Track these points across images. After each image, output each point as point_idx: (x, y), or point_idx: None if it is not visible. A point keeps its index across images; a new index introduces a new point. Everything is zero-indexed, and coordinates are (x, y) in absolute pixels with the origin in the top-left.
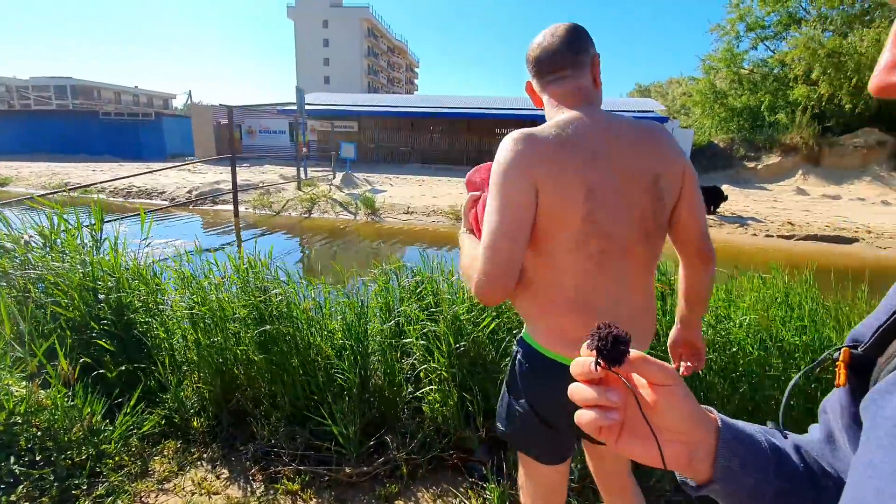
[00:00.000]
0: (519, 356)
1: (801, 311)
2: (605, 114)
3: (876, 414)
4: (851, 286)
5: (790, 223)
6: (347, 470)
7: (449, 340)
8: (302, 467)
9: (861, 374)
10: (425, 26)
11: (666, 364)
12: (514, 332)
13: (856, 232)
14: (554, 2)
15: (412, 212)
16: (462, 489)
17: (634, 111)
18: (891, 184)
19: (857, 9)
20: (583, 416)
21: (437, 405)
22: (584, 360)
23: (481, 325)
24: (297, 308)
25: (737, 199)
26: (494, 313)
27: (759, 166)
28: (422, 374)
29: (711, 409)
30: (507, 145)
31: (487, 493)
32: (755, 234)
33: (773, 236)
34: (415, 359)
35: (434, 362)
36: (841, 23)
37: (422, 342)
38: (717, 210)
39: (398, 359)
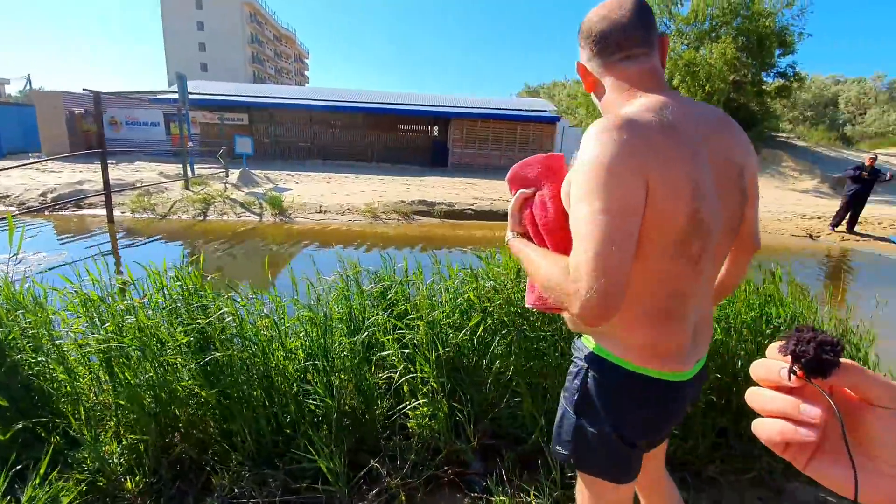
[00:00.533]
0: (593, 374)
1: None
2: (689, 99)
3: None
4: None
5: None
6: None
7: (436, 347)
8: None
9: None
10: (314, 19)
11: (892, 382)
12: (503, 332)
13: None
14: (443, 5)
15: (325, 211)
16: None
17: (529, 110)
18: None
19: (706, 26)
20: (768, 428)
21: (426, 420)
22: (770, 364)
23: (468, 327)
24: (252, 327)
25: None
26: (482, 315)
27: None
28: (405, 388)
29: None
30: (609, 136)
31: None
32: None
33: None
34: (392, 372)
35: (419, 373)
36: (694, 38)
37: (403, 352)
38: None
39: (373, 374)
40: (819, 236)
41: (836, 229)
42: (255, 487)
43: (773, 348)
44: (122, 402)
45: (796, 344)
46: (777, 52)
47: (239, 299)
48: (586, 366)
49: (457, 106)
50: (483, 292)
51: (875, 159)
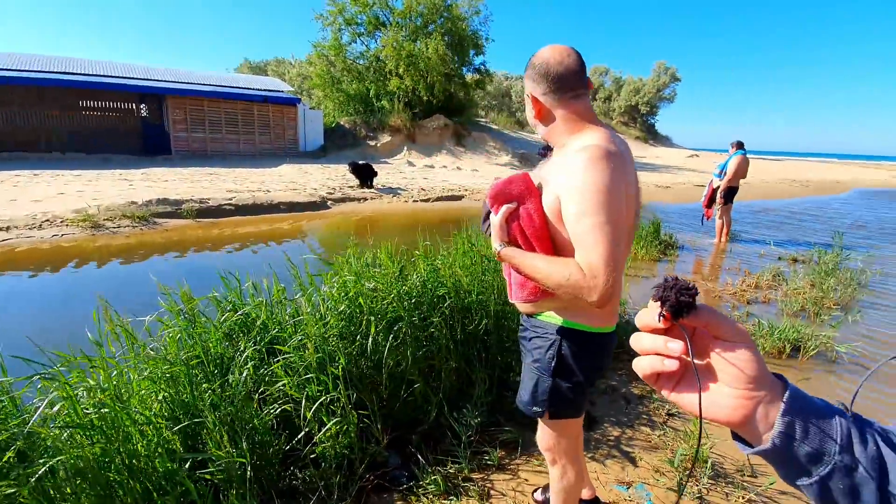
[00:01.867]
0: (567, 343)
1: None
2: (610, 127)
3: None
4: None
5: (423, 189)
6: None
7: (337, 360)
8: None
9: None
10: None
11: (737, 323)
12: (394, 328)
13: (461, 190)
14: None
15: (9, 227)
16: (400, 503)
17: (262, 90)
18: (457, 154)
19: (419, 22)
20: (641, 363)
21: (338, 439)
22: (646, 312)
23: (370, 333)
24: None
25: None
26: (373, 316)
27: (378, 144)
28: (306, 413)
29: (782, 375)
30: (605, 163)
31: (429, 485)
32: (406, 201)
33: (417, 201)
34: (289, 402)
35: (324, 393)
36: (411, 32)
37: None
38: (373, 184)
39: (260, 412)
40: None
41: None
42: None
43: (651, 299)
44: None
45: (662, 291)
46: (472, 52)
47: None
48: (559, 338)
49: (173, 81)
50: (370, 293)
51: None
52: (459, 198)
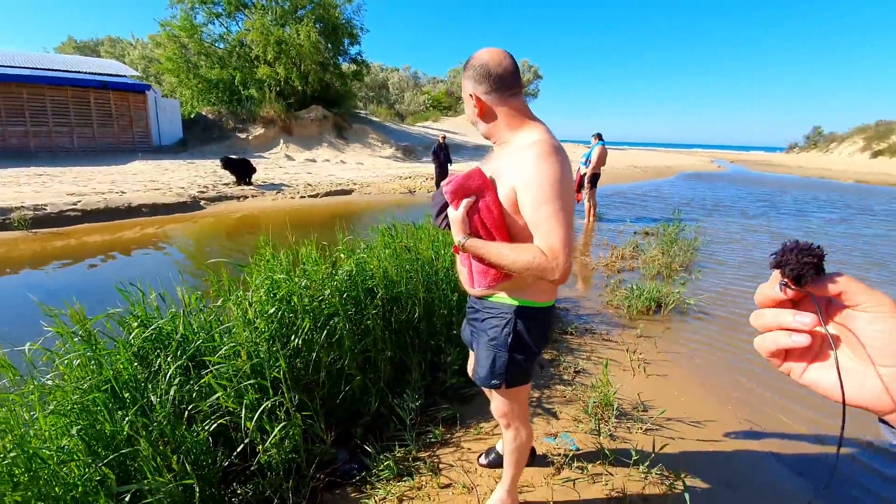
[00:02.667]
0: (522, 320)
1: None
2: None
3: None
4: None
5: (309, 184)
6: None
7: (277, 362)
8: None
9: None
10: None
11: (877, 290)
12: (330, 324)
13: (350, 184)
14: None
15: None
16: (354, 497)
17: (99, 73)
18: (339, 147)
19: (287, 6)
20: (767, 341)
21: (283, 445)
22: (768, 284)
23: (300, 326)
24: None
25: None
26: (309, 314)
27: (250, 137)
28: (248, 424)
29: None
30: (555, 157)
31: (382, 471)
32: (292, 197)
33: (304, 196)
34: (220, 418)
35: (266, 398)
36: (279, 15)
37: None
38: (252, 181)
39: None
40: (415, 192)
41: None
42: None
43: (770, 268)
44: None
45: (781, 255)
46: (346, 41)
47: None
48: (514, 316)
49: None
50: (302, 291)
51: (445, 138)
52: (349, 192)
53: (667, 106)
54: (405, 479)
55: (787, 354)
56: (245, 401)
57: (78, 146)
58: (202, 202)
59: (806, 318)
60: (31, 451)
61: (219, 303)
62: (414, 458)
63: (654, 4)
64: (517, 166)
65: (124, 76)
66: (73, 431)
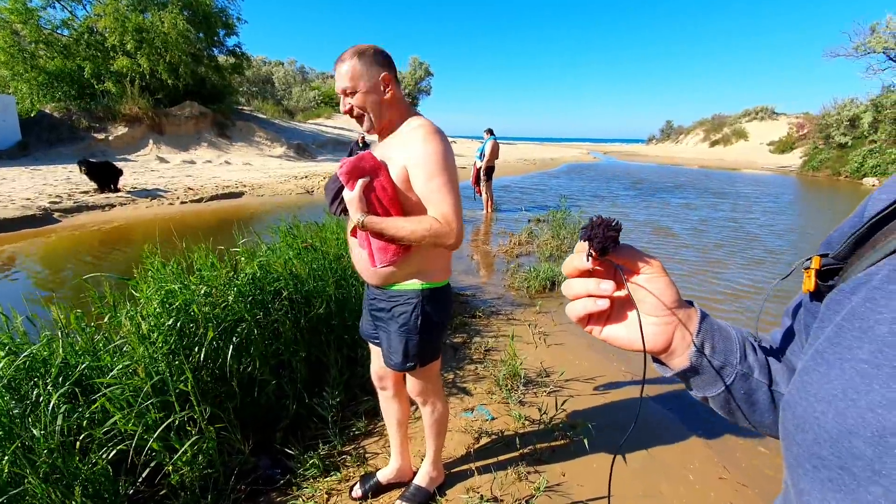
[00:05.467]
0: (425, 303)
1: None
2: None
3: (834, 310)
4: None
5: (190, 189)
6: None
7: (181, 374)
8: None
9: (825, 278)
10: None
11: (652, 257)
12: (237, 330)
13: (239, 187)
14: None
15: None
16: (280, 501)
17: None
18: (221, 146)
19: None
20: (575, 307)
21: (196, 461)
22: (575, 256)
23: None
24: None
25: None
26: (211, 323)
27: (111, 137)
28: (154, 445)
29: (691, 300)
30: (440, 136)
31: (307, 469)
32: (172, 203)
33: (186, 202)
34: (119, 444)
35: (171, 414)
36: (136, 0)
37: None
38: (118, 187)
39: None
40: (313, 192)
41: None
42: None
43: (578, 245)
44: None
45: (590, 230)
46: (221, 32)
47: None
48: (420, 300)
49: None
50: (203, 299)
51: (364, 138)
52: (239, 195)
53: (550, 103)
54: (332, 473)
55: (589, 317)
56: (147, 420)
57: None
58: (56, 214)
59: (608, 285)
60: None
61: (105, 319)
62: (339, 453)
63: (526, 7)
64: (407, 147)
65: None
66: None
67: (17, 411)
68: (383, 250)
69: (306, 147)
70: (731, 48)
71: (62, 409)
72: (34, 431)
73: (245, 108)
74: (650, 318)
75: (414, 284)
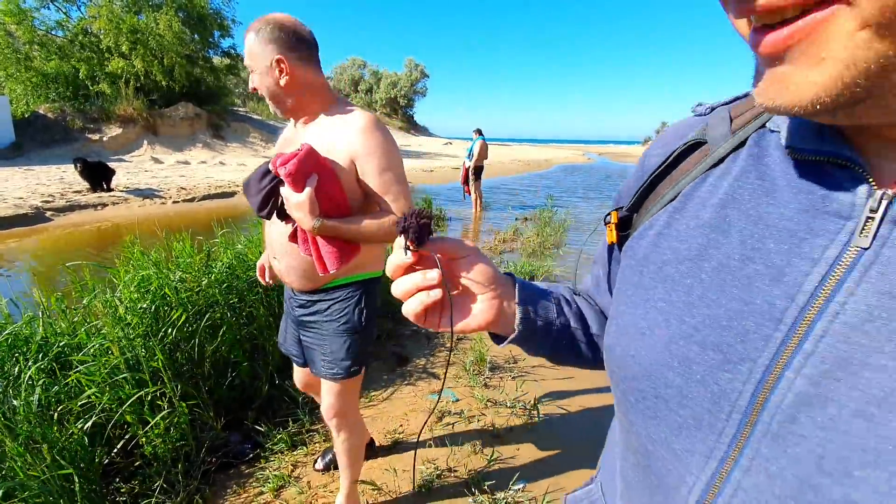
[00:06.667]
0: (366, 293)
1: None
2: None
3: (631, 256)
4: None
5: (183, 188)
6: None
7: (153, 354)
8: None
9: (623, 228)
10: None
11: (465, 240)
12: (209, 313)
13: (232, 186)
14: None
15: None
16: (248, 472)
17: None
18: (216, 147)
19: None
20: (411, 305)
21: (169, 433)
22: (395, 253)
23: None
24: None
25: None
26: (183, 307)
27: (105, 138)
28: (128, 418)
29: (510, 272)
30: (384, 128)
31: (276, 444)
32: (164, 203)
33: (178, 201)
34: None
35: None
36: (130, 2)
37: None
38: (111, 186)
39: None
40: None
41: None
42: None
43: (396, 241)
44: None
45: (404, 222)
46: (217, 33)
47: None
48: (361, 290)
49: None
50: (177, 284)
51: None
52: (231, 195)
53: (545, 105)
54: (299, 448)
55: (426, 312)
56: (121, 395)
57: None
58: (48, 213)
59: (434, 274)
60: None
61: (84, 302)
62: (307, 431)
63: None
64: (350, 138)
65: None
66: None
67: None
68: (336, 254)
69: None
70: (730, 47)
71: (40, 382)
72: (14, 402)
73: (240, 109)
74: (478, 298)
75: (352, 277)
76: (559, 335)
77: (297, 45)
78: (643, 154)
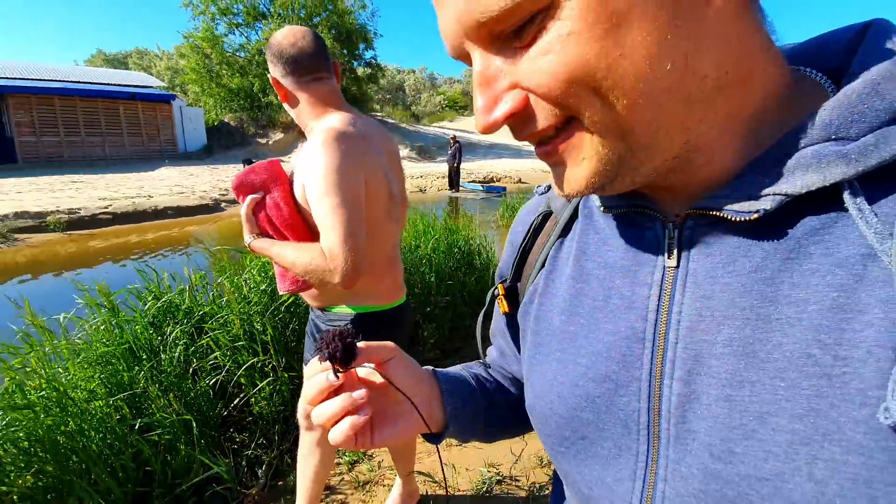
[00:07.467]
0: (361, 331)
1: None
2: (359, 113)
3: (525, 320)
4: None
5: None
6: None
7: (265, 330)
8: None
9: (512, 299)
10: None
11: (384, 342)
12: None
13: None
14: None
15: None
16: None
17: (128, 85)
18: None
19: (303, 14)
20: (338, 431)
21: (272, 399)
22: (316, 380)
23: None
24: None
25: None
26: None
27: (270, 142)
28: (242, 379)
29: (428, 367)
30: (337, 144)
31: None
32: None
33: None
34: (218, 375)
35: (255, 358)
36: (295, 23)
37: (231, 347)
38: None
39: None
40: (426, 191)
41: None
42: None
43: (311, 366)
44: None
45: (326, 347)
46: (361, 46)
47: None
48: (355, 326)
49: (14, 77)
50: None
51: (455, 138)
52: None
53: None
54: None
55: (356, 435)
56: (239, 359)
57: (109, 154)
58: (223, 204)
59: (361, 392)
60: (62, 389)
61: (219, 280)
62: None
63: None
64: (306, 157)
65: (151, 87)
66: (97, 378)
67: (156, 342)
68: (282, 277)
69: (427, 149)
70: None
71: (182, 342)
72: (162, 356)
73: (378, 114)
74: (405, 403)
75: (346, 309)
76: (488, 415)
77: (279, 61)
78: (509, 233)
